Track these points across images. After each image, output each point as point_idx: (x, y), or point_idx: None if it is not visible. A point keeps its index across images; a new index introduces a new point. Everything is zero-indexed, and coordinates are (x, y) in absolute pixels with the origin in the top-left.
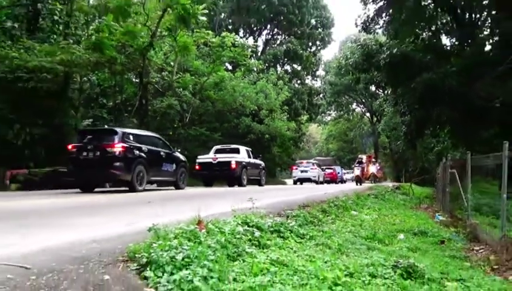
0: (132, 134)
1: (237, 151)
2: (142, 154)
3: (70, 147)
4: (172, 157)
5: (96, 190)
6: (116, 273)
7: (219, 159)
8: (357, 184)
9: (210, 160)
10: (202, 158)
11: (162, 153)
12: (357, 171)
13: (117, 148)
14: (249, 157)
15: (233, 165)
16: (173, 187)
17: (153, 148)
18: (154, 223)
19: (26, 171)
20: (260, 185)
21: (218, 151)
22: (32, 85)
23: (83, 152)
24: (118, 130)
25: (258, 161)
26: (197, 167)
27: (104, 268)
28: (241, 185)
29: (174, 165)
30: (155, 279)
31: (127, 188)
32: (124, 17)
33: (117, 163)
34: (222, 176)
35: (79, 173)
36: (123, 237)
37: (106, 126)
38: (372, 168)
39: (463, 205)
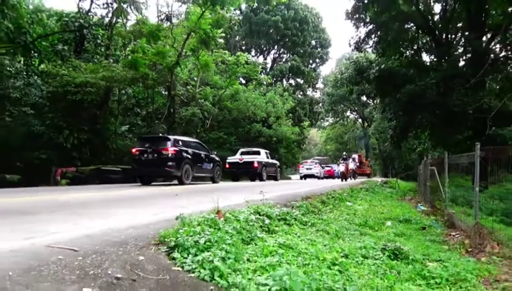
0: (181, 140)
1: (258, 153)
2: (189, 156)
3: (133, 150)
4: (210, 158)
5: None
6: (149, 255)
7: (244, 160)
8: (342, 180)
9: (237, 160)
10: (230, 159)
11: (202, 155)
12: (342, 168)
13: (170, 151)
14: (267, 158)
15: (255, 164)
16: (210, 182)
17: (196, 151)
18: (180, 212)
19: (74, 169)
20: (276, 180)
21: (243, 153)
22: (79, 98)
23: (144, 154)
24: (171, 137)
25: (274, 161)
26: (226, 166)
27: (139, 250)
28: (261, 180)
29: (211, 164)
30: (181, 260)
31: (177, 182)
32: (155, 40)
33: (171, 163)
34: (247, 172)
35: (141, 170)
36: (155, 225)
37: (160, 134)
38: (351, 165)
39: (442, 197)
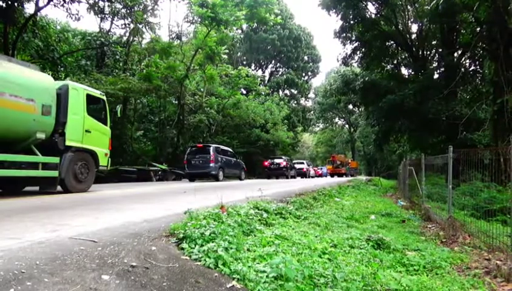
0: (288, 159)
1: (303, 163)
2: (290, 165)
3: (266, 163)
4: (294, 167)
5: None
6: (160, 245)
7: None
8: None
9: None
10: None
11: (293, 165)
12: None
13: (283, 163)
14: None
15: (304, 169)
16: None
17: (291, 163)
18: (188, 208)
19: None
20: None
21: (296, 163)
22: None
23: (272, 165)
24: (283, 157)
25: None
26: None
27: (151, 242)
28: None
29: (293, 170)
30: (189, 250)
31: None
32: (167, 56)
33: (284, 169)
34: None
35: (270, 172)
36: (166, 218)
37: (274, 155)
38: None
39: (419, 193)
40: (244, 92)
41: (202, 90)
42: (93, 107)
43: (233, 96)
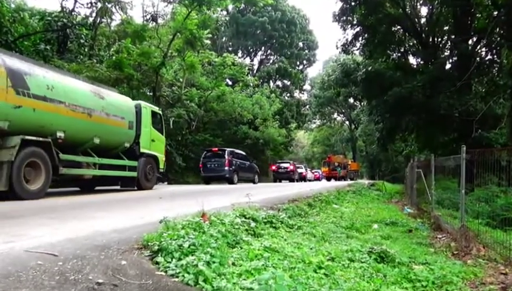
0: (294, 164)
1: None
2: (295, 170)
3: (274, 167)
4: (298, 172)
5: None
6: (131, 259)
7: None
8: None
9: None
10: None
11: (298, 170)
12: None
13: (290, 168)
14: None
15: (304, 173)
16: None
17: (295, 168)
18: (165, 216)
19: None
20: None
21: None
22: None
23: (279, 169)
24: (289, 161)
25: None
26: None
27: (121, 255)
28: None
29: (298, 175)
30: (165, 264)
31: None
32: (140, 40)
33: (291, 172)
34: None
35: (278, 176)
36: (138, 228)
37: (281, 160)
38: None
39: (428, 199)
40: (230, 83)
41: (181, 80)
42: (154, 120)
43: (217, 87)
